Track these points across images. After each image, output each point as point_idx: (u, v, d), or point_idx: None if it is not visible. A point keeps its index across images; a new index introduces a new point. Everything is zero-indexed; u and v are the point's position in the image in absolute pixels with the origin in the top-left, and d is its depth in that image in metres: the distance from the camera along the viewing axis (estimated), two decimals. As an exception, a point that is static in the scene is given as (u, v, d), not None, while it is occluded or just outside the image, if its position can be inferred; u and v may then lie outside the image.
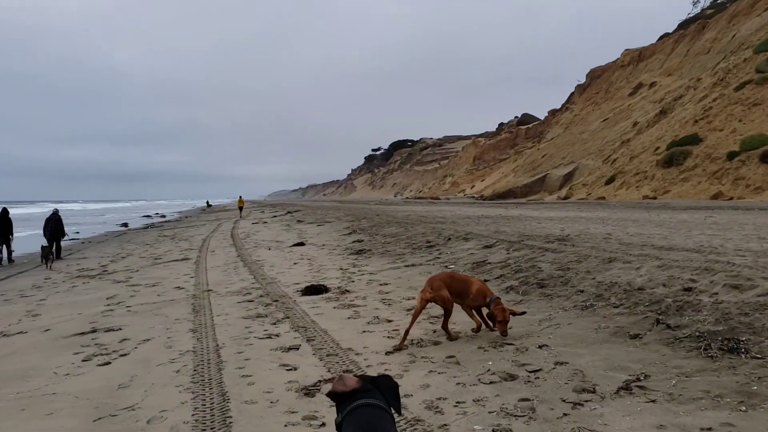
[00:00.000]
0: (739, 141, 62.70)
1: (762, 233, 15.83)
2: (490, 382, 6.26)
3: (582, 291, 8.30)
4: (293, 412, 5.79)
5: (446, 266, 12.81)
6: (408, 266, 14.20)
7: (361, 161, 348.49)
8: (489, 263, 12.32)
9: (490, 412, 5.59)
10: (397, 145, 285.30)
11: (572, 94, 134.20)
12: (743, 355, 6.20)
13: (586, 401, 5.67)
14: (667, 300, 7.08)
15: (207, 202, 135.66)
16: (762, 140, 60.94)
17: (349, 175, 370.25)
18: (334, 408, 3.10)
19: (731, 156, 62.08)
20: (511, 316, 7.81)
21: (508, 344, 7.30)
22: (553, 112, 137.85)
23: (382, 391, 3.06)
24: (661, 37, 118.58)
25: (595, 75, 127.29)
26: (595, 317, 7.43)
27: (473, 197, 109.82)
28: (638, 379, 6.04)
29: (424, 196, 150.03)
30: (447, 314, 8.04)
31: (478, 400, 5.92)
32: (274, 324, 9.53)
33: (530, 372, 6.44)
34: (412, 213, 38.36)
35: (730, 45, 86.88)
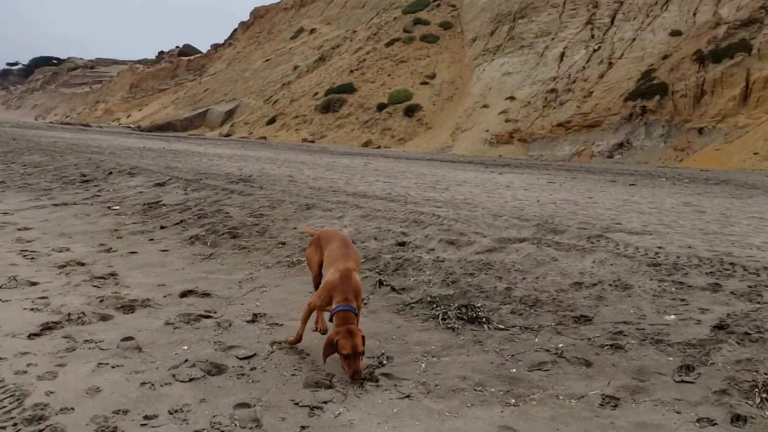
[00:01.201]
0: (388, 94, 67.66)
1: (426, 182, 16.15)
2: (190, 379, 4.29)
3: (284, 243, 6.78)
4: None
5: (109, 206, 10.10)
6: (58, 205, 11.04)
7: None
8: (164, 205, 10.06)
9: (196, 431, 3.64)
10: (40, 62, 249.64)
11: (236, 30, 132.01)
12: (486, 326, 5.21)
13: (326, 402, 4.07)
14: (385, 257, 5.94)
15: None
16: (406, 95, 66.59)
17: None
18: None
19: (380, 107, 66.73)
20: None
21: (205, 316, 5.38)
22: (216, 47, 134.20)
23: None
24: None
25: (258, 14, 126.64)
26: (306, 276, 5.90)
27: (129, 127, 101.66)
28: (381, 364, 4.66)
29: (72, 121, 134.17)
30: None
31: (177, 411, 3.92)
32: None
33: (242, 360, 4.63)
34: (60, 140, 32.80)
35: (383, 3, 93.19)
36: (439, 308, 5.42)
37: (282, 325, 5.19)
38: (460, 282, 5.59)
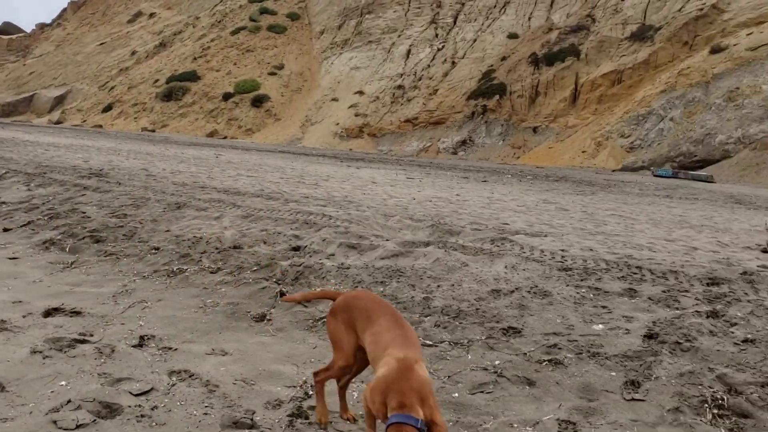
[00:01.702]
0: (234, 84, 65.57)
1: (290, 176, 15.46)
2: (77, 426, 3.45)
3: (158, 248, 5.88)
4: None
5: None
6: None
7: None
8: (4, 203, 8.58)
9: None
10: None
11: (65, 10, 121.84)
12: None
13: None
14: (281, 263, 5.32)
15: None
16: (253, 85, 64.91)
17: None
18: None
19: (226, 97, 64.55)
20: None
21: (80, 341, 4.48)
22: (42, 27, 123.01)
23: None
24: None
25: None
26: (192, 288, 5.12)
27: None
28: (307, 395, 4.08)
29: None
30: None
31: (63, 477, 3.10)
32: None
33: (138, 396, 3.83)
34: None
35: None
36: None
37: (176, 349, 4.44)
38: (372, 291, 5.17)
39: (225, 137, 59.58)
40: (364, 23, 70.40)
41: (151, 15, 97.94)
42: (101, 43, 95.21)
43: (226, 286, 5.12)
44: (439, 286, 5.08)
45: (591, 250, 6.42)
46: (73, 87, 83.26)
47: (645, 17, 55.43)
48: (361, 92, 62.99)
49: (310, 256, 5.78)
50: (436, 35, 66.16)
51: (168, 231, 6.72)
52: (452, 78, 60.08)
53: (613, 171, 44.71)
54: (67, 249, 6.37)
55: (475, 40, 63.00)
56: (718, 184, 35.01)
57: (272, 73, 66.58)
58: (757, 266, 6.22)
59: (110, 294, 5.07)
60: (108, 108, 69.03)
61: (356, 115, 60.45)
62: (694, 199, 20.53)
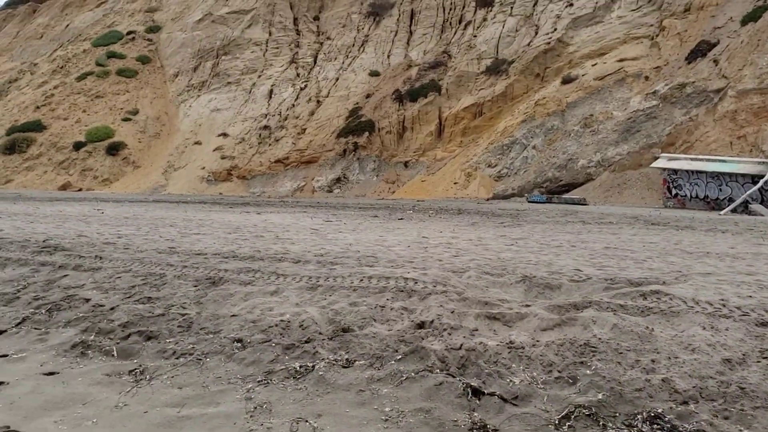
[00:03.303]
0: (85, 132, 61.65)
1: (231, 230, 14.27)
2: None
3: (241, 340, 4.76)
4: None
5: None
6: None
7: None
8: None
9: None
10: None
11: None
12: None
13: None
14: (429, 347, 4.38)
15: None
16: (107, 132, 61.36)
17: None
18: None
19: (78, 146, 60.52)
20: None
21: None
22: None
23: None
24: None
25: None
26: (343, 393, 3.98)
27: None
28: None
29: None
30: None
31: None
32: None
33: None
34: None
35: (66, 35, 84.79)
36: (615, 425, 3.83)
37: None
38: (564, 375, 4.27)
39: (80, 189, 55.57)
40: (221, 64, 68.91)
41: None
42: None
43: (384, 385, 4.24)
44: (653, 361, 4.49)
45: (750, 296, 6.13)
46: None
47: (498, 52, 58.74)
48: (225, 134, 61.40)
49: (449, 334, 5.03)
50: (298, 75, 66.07)
51: (234, 316, 5.71)
52: (319, 116, 60.15)
53: (488, 200, 46.48)
54: (115, 353, 5.17)
55: (337, 79, 63.59)
56: (590, 206, 37.37)
57: (126, 119, 63.18)
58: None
59: (241, 414, 4.02)
60: (-63, 165, 61.98)
61: (222, 157, 58.74)
62: (627, 226, 21.36)
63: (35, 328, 5.88)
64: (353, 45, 66.80)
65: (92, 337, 5.50)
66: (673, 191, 37.48)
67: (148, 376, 4.68)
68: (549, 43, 55.70)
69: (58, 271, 7.74)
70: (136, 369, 4.86)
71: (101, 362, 5.07)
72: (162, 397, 4.33)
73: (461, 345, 4.56)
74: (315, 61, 67.27)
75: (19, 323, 6.02)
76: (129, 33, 75.53)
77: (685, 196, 36.91)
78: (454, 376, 4.22)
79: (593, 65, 51.77)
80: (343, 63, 65.30)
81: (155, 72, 70.98)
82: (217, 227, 14.50)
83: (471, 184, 50.80)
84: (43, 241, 10.42)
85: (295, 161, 57.18)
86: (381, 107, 58.31)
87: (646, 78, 48.30)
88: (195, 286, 6.74)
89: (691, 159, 36.94)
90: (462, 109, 55.78)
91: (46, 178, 57.70)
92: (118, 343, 5.34)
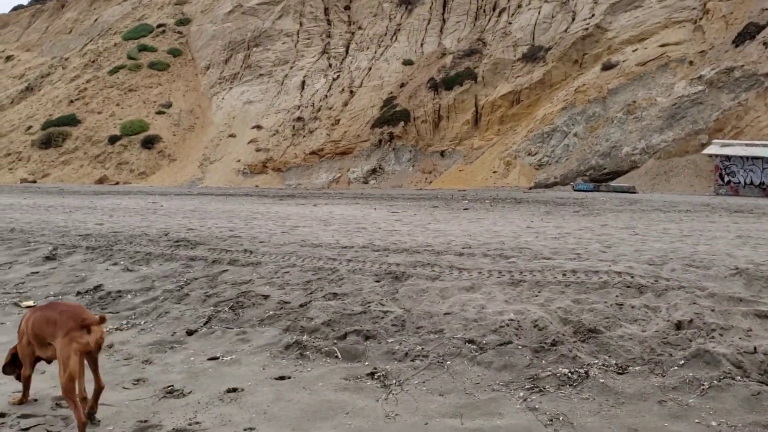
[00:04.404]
0: (120, 125, 61.79)
1: (344, 224, 13.89)
2: None
3: (472, 341, 4.30)
4: None
5: (17, 302, 6.47)
6: None
7: None
8: (120, 293, 6.60)
9: None
10: None
11: None
12: None
13: None
14: (713, 350, 3.89)
15: None
16: (141, 125, 61.47)
17: None
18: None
19: (113, 140, 60.69)
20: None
21: None
22: None
23: None
24: (15, 8, 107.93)
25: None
26: (646, 404, 3.51)
27: None
28: None
29: None
30: None
31: None
32: None
33: None
34: None
35: (95, 29, 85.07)
36: None
37: None
38: None
39: (117, 183, 55.73)
40: (253, 56, 68.71)
41: (9, 58, 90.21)
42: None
43: (683, 394, 3.84)
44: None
45: None
46: (-77, 140, 74.75)
47: (534, 38, 57.92)
48: (259, 126, 61.27)
49: (721, 335, 4.54)
50: (330, 65, 65.71)
51: (448, 314, 5.34)
52: (353, 107, 59.78)
53: (530, 189, 45.87)
54: (338, 354, 4.78)
55: (370, 69, 63.13)
56: (639, 194, 36.69)
57: (160, 112, 63.25)
58: None
59: (540, 427, 3.54)
60: (-27, 160, 62.49)
61: (257, 150, 58.63)
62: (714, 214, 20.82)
63: (227, 328, 5.55)
64: (385, 34, 66.27)
65: (304, 337, 5.16)
66: (726, 178, 36.65)
67: (395, 381, 4.33)
68: (587, 29, 54.77)
69: (212, 266, 7.42)
70: (374, 372, 4.51)
71: (328, 364, 4.73)
72: (430, 406, 3.96)
73: (755, 348, 4.14)
74: (347, 51, 66.84)
75: (206, 322, 5.70)
76: (159, 26, 75.56)
77: (739, 183, 36.09)
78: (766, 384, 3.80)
79: (634, 51, 50.80)
80: (375, 52, 64.82)
81: (186, 64, 70.97)
82: (309, 220, 14.17)
83: (511, 173, 50.18)
84: (165, 235, 10.13)
85: (330, 152, 56.90)
86: (416, 96, 57.78)
87: (691, 63, 47.29)
88: (377, 281, 6.39)
89: (746, 145, 36.05)
90: (499, 97, 55.10)
91: (82, 171, 57.95)
92: (335, 343, 4.99)
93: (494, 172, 51.53)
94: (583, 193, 37.98)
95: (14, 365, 4.42)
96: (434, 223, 13.32)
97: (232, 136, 60.62)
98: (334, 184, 54.37)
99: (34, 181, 56.03)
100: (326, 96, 62.11)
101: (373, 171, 55.26)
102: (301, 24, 69.69)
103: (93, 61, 72.59)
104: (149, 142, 59.89)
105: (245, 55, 69.28)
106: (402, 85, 60.10)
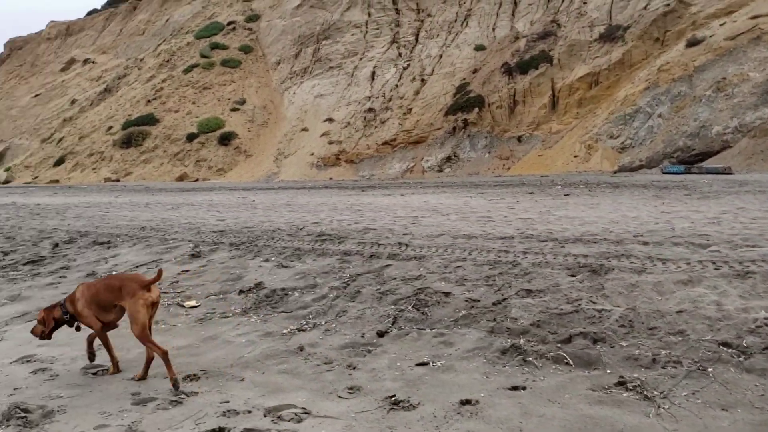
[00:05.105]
0: (196, 123, 62.86)
1: (464, 213, 13.38)
2: None
3: (728, 344, 3.80)
4: None
5: (180, 302, 6.29)
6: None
7: None
8: (286, 291, 6.33)
9: None
10: None
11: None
12: None
13: None
14: None
15: None
16: (218, 123, 62.38)
17: None
18: None
19: (191, 137, 61.81)
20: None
21: None
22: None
23: None
24: (89, 13, 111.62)
25: (15, 46, 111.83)
26: None
27: None
28: None
29: None
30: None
31: None
32: None
33: None
34: None
35: (167, 29, 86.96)
36: None
37: None
38: None
39: (196, 179, 56.81)
40: (322, 49, 68.80)
41: (86, 61, 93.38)
42: (36, 95, 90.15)
43: None
44: None
45: None
46: (11, 143, 78.23)
47: (611, 18, 55.91)
48: (330, 119, 61.30)
49: None
50: (399, 54, 65.14)
51: (681, 312, 4.80)
52: (425, 95, 59.09)
53: (614, 173, 44.28)
54: (569, 361, 4.32)
55: (441, 56, 62.27)
56: (736, 175, 34.81)
57: (234, 109, 64.11)
58: None
59: None
60: (60, 161, 64.86)
61: (330, 142, 58.66)
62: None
63: (419, 329, 5.16)
64: (455, 20, 65.22)
65: (521, 341, 4.70)
66: (833, 155, 34.39)
67: (657, 393, 3.82)
68: (668, 4, 52.44)
69: (371, 261, 7.07)
70: (623, 382, 4.01)
71: (561, 372, 4.26)
72: (720, 423, 3.45)
73: None
74: (416, 40, 66.13)
75: (394, 322, 5.32)
76: (229, 23, 76.59)
77: None
78: None
79: (721, 25, 48.30)
80: (446, 39, 63.89)
81: (258, 61, 71.71)
82: (423, 211, 13.76)
83: (593, 157, 48.60)
84: (300, 229, 9.90)
85: (403, 142, 56.41)
86: (489, 82, 56.67)
87: (786, 34, 44.65)
88: (573, 276, 5.90)
89: None
90: (576, 79, 53.44)
91: (162, 170, 59.30)
92: (559, 348, 4.52)
93: (575, 156, 50.02)
94: (675, 176, 36.31)
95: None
96: (554, 209, 12.68)
97: (304, 129, 60.88)
98: (408, 173, 53.91)
99: (118, 180, 57.69)
100: (397, 86, 61.61)
101: (448, 159, 54.52)
102: (369, 14, 69.35)
103: (167, 61, 74.20)
104: (225, 139, 60.79)
105: (315, 48, 69.46)
106: (475, 71, 59.03)
